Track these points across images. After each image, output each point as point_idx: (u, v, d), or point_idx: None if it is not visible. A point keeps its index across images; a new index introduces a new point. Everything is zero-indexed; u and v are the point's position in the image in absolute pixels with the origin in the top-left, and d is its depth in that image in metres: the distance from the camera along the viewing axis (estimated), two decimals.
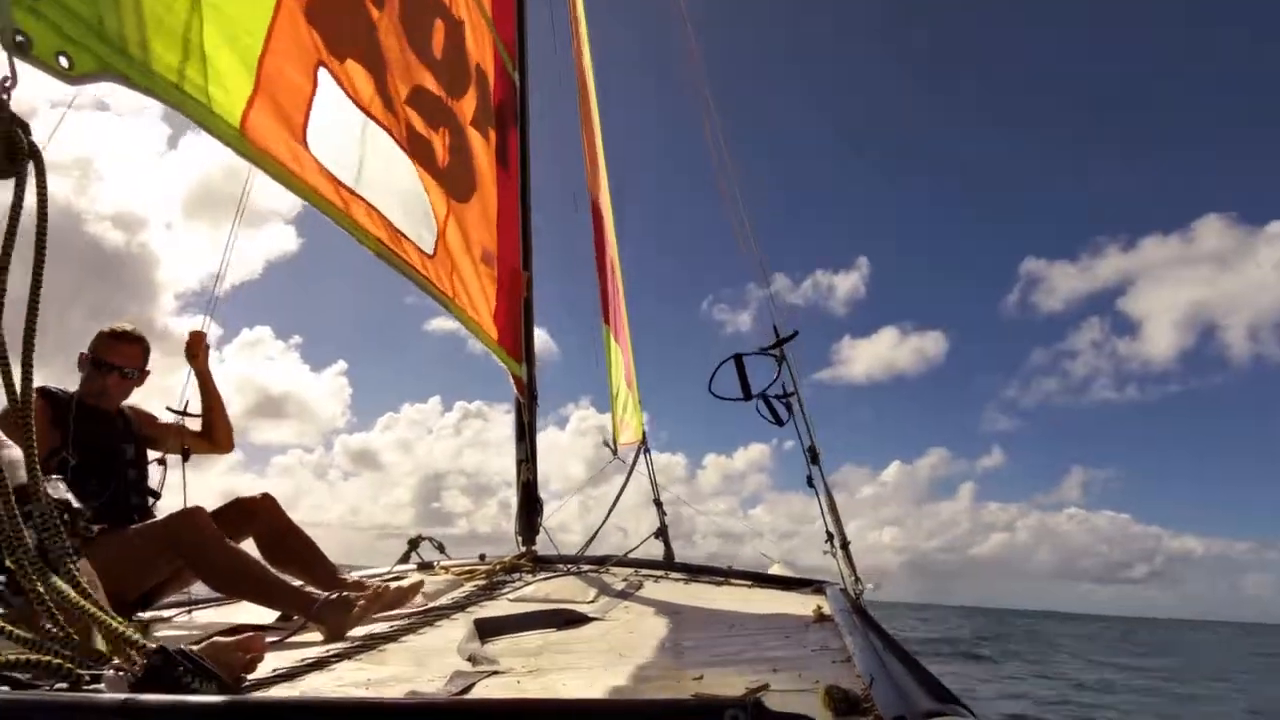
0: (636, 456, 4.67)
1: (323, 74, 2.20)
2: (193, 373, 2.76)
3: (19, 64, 1.17)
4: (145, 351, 2.62)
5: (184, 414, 2.75)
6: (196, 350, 2.74)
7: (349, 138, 2.36)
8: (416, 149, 2.80)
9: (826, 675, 1.17)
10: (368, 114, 2.46)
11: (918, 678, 1.03)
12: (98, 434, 2.43)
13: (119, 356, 2.53)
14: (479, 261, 3.36)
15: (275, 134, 1.97)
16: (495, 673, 1.38)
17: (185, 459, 2.71)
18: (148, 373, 2.65)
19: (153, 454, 2.69)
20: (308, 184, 2.10)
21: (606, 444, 4.82)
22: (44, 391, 2.37)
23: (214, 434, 2.79)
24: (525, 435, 4.15)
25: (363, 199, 2.37)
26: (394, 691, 1.28)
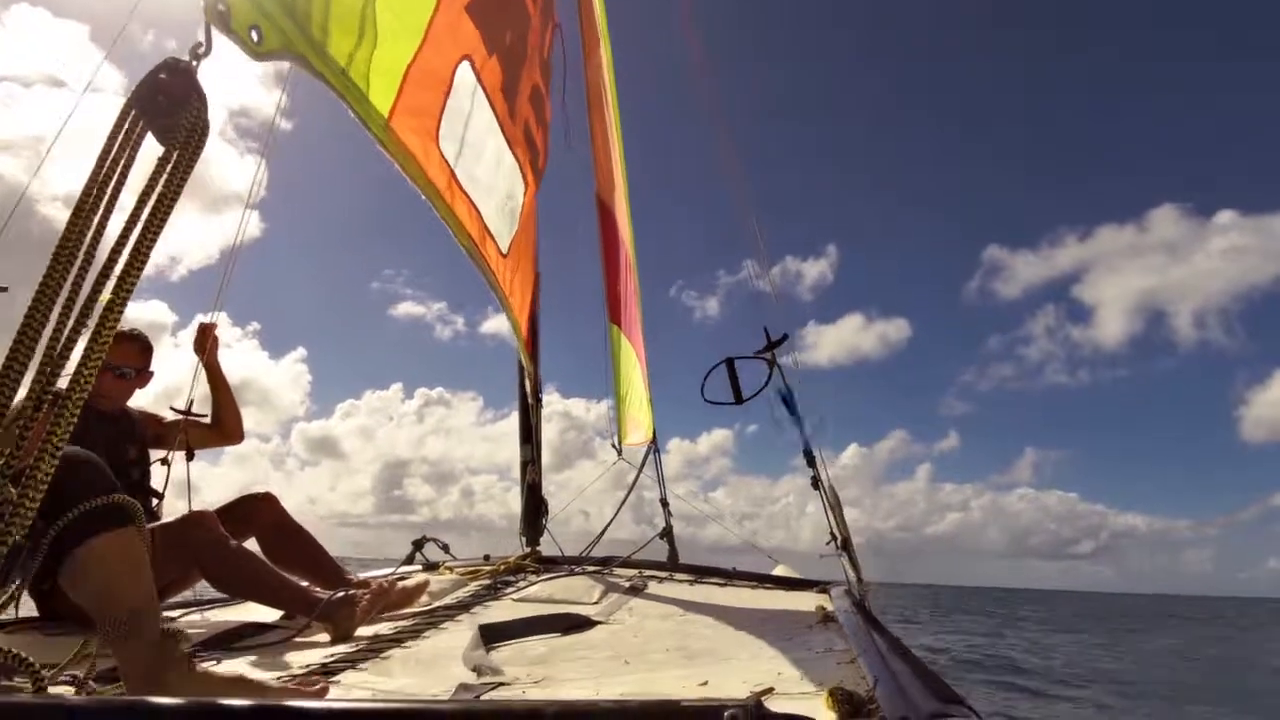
0: (646, 455, 4.66)
1: (464, 68, 2.17)
2: (200, 365, 2.72)
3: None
4: (144, 350, 2.56)
5: (188, 414, 2.73)
6: (206, 342, 2.70)
7: (474, 135, 2.34)
8: (526, 147, 2.79)
9: (831, 677, 1.17)
10: (494, 111, 2.44)
11: (922, 679, 1.02)
12: (99, 436, 2.41)
13: (114, 355, 2.44)
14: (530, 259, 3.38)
15: (414, 127, 1.94)
16: (501, 684, 1.37)
17: (189, 458, 2.70)
18: (150, 374, 2.59)
19: (155, 453, 2.68)
20: (431, 180, 2.06)
21: (613, 445, 4.81)
22: None
23: (224, 425, 2.77)
24: (531, 436, 4.14)
25: (467, 195, 2.35)
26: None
